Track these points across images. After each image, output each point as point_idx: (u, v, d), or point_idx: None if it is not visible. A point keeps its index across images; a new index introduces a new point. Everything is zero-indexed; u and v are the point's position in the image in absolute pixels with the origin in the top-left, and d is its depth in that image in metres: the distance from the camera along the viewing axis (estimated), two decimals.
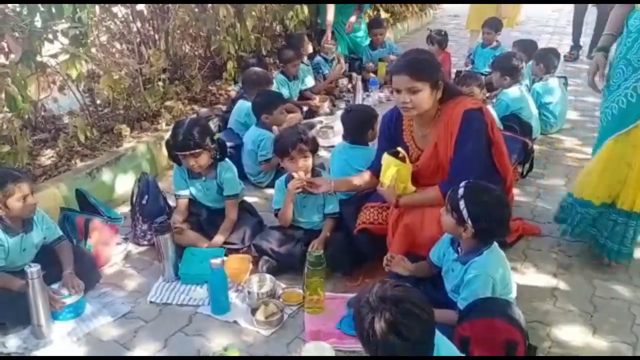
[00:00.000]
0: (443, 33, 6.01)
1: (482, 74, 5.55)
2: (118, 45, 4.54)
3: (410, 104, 2.50)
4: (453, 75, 5.99)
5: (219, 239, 2.99)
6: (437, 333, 1.67)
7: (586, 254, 2.99)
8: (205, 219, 3.14)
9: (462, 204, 2.14)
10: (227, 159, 3.19)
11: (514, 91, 4.26)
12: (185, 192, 3.13)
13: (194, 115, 4.43)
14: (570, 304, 2.62)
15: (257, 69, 4.50)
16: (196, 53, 5.43)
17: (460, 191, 2.17)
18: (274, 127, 4.06)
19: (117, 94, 4.12)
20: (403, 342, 1.53)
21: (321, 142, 4.60)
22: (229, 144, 3.84)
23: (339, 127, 4.43)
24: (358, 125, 3.35)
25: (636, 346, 2.36)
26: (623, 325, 2.47)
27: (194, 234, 3.07)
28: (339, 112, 5.35)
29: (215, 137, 3.14)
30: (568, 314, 2.56)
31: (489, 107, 4.18)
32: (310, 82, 5.42)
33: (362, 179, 2.94)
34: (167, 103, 4.35)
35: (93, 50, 4.34)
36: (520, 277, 2.81)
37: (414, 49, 2.76)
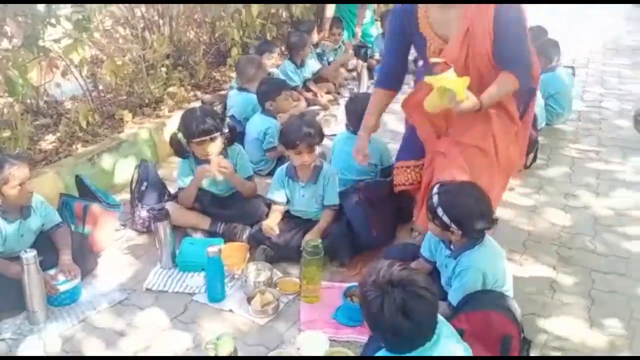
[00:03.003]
0: None
1: None
2: (122, 31, 4.51)
3: None
4: None
5: None
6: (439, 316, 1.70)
7: (587, 247, 2.97)
8: (209, 204, 3.13)
9: (440, 211, 2.12)
10: (236, 143, 3.19)
11: None
12: None
13: (198, 103, 4.40)
14: (569, 297, 2.60)
15: (251, 57, 4.47)
16: (201, 39, 5.40)
17: (435, 199, 2.14)
18: (279, 115, 4.04)
19: (120, 79, 4.12)
20: (411, 323, 1.58)
21: (324, 130, 4.60)
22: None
23: (341, 116, 4.41)
24: (362, 114, 3.31)
25: (633, 340, 2.34)
26: (621, 319, 2.45)
27: (195, 215, 3.07)
28: (343, 101, 5.35)
29: (226, 121, 3.14)
30: (566, 307, 2.54)
31: None
32: (315, 66, 5.38)
33: (383, 98, 2.75)
34: (170, 89, 4.33)
35: (96, 35, 4.34)
36: (519, 268, 2.79)
37: None
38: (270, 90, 3.81)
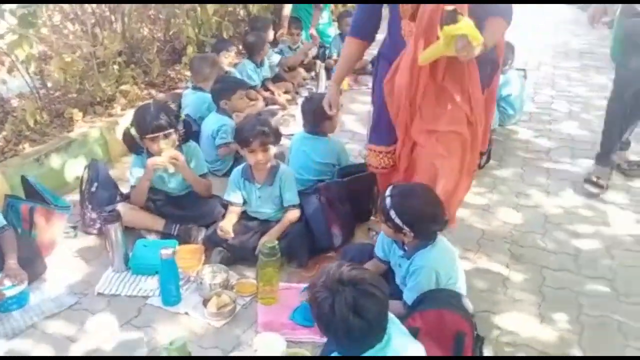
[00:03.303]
0: None
1: None
2: (71, 26, 4.37)
3: None
4: None
5: None
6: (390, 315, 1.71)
7: (538, 245, 3.04)
8: (163, 204, 3.06)
9: (392, 213, 2.14)
10: (190, 140, 3.13)
11: None
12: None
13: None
14: (520, 294, 2.66)
15: (203, 55, 4.41)
16: (155, 36, 5.30)
17: (387, 201, 2.16)
18: (235, 114, 4.00)
19: (70, 76, 3.99)
20: (362, 322, 1.58)
21: (282, 130, 4.57)
22: None
23: (300, 115, 4.40)
24: (317, 115, 3.31)
25: (581, 335, 2.41)
26: (570, 315, 2.52)
27: (149, 216, 3.01)
28: (301, 100, 5.34)
29: (181, 117, 3.07)
30: (517, 303, 2.60)
31: None
32: (274, 65, 5.37)
33: (354, 48, 2.71)
34: (122, 87, 4.22)
35: (44, 30, 4.19)
36: (473, 266, 2.84)
37: None
38: (225, 89, 3.77)
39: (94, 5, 4.56)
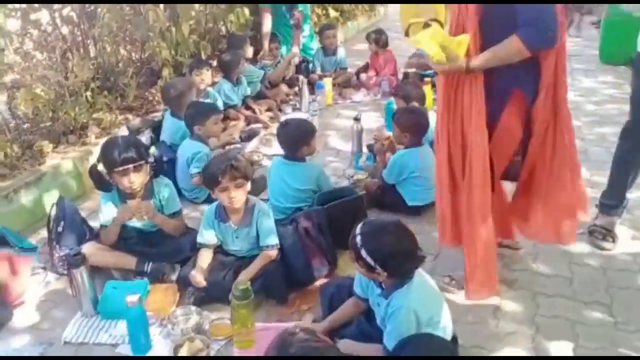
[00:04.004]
0: (379, 31, 5.95)
1: (426, 75, 5.48)
2: (39, 55, 4.22)
3: None
4: (400, 76, 5.89)
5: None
6: None
7: (531, 268, 2.90)
8: (135, 242, 2.91)
9: (364, 252, 2.00)
10: (161, 175, 2.98)
11: None
12: None
13: (122, 130, 4.14)
14: (513, 325, 2.51)
15: (173, 80, 4.28)
16: (133, 58, 5.16)
17: (358, 239, 2.02)
18: (211, 140, 3.86)
19: (42, 106, 3.85)
20: None
21: (264, 150, 4.45)
22: (164, 158, 3.66)
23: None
24: (293, 140, 3.17)
25: None
26: (566, 347, 2.37)
27: (120, 254, 2.84)
28: (284, 117, 5.20)
29: (151, 151, 2.93)
30: (510, 337, 2.44)
31: (433, 114, 4.08)
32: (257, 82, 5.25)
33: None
34: (95, 115, 4.07)
35: (17, 58, 4.06)
36: (461, 296, 2.69)
37: None
38: (198, 114, 3.62)
39: (66, 30, 4.44)
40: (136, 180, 2.75)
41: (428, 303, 2.07)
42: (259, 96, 5.30)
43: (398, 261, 2.00)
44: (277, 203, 3.18)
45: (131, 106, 4.71)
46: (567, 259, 2.96)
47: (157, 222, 2.83)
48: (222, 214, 2.73)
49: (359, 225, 2.07)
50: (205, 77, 4.57)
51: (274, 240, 2.71)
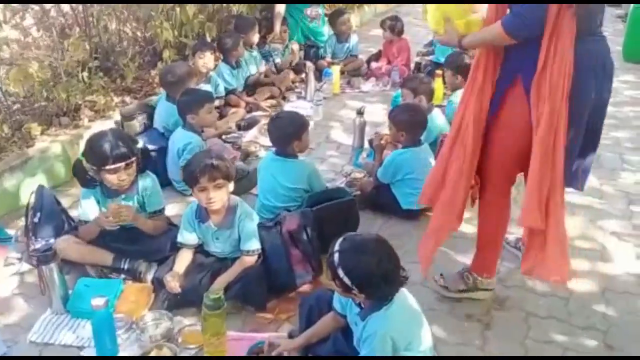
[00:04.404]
0: (395, 18, 5.70)
1: (440, 64, 5.27)
2: (35, 32, 4.10)
3: None
4: (412, 66, 5.69)
5: None
6: None
7: (526, 285, 2.74)
8: (113, 238, 2.78)
9: (340, 272, 1.85)
10: (147, 171, 2.85)
11: None
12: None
13: (116, 115, 4.02)
14: (500, 347, 2.37)
15: (174, 65, 4.12)
16: (137, 38, 5.01)
17: (336, 257, 1.87)
18: (206, 130, 3.74)
19: (39, 84, 3.74)
20: None
21: (263, 140, 4.29)
22: (152, 146, 3.54)
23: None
24: (284, 135, 3.02)
25: None
26: None
27: (96, 250, 2.71)
28: (289, 105, 5.05)
29: (139, 144, 2.80)
30: None
31: (438, 111, 3.90)
32: (253, 70, 5.07)
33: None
34: (88, 98, 3.96)
35: (17, 33, 3.94)
36: (450, 312, 2.55)
37: None
38: (191, 103, 3.46)
39: (67, 7, 4.31)
40: (127, 177, 2.63)
41: (406, 329, 1.94)
42: (261, 83, 5.13)
43: (376, 284, 1.86)
44: (266, 201, 3.04)
45: (130, 88, 4.57)
46: None
47: (138, 224, 2.70)
48: (202, 214, 2.60)
49: (338, 241, 1.92)
50: (208, 60, 4.40)
51: (254, 245, 2.58)
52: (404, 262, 1.95)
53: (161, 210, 2.84)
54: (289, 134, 3.01)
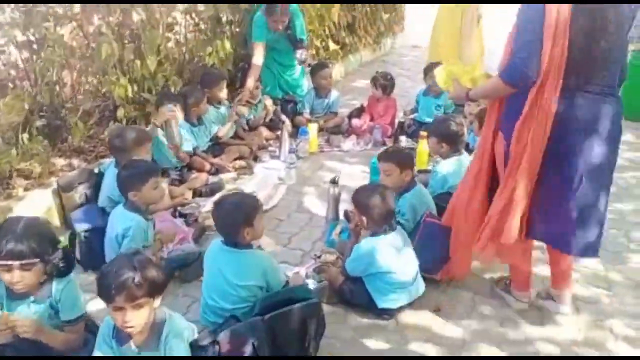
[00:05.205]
0: (389, 77, 5.30)
1: (424, 123, 4.94)
2: None
3: None
4: (396, 125, 5.28)
5: None
6: None
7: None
8: (18, 352, 2.25)
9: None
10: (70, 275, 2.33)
11: (451, 163, 3.51)
12: None
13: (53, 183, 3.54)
14: None
15: (123, 128, 3.70)
16: (99, 89, 4.56)
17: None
18: (149, 207, 3.20)
19: None
20: None
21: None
22: (89, 226, 3.06)
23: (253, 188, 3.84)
24: (231, 223, 2.54)
25: None
26: None
27: None
28: (261, 165, 4.60)
29: (60, 244, 2.31)
30: None
31: (420, 186, 3.44)
32: (217, 131, 4.63)
33: None
34: (23, 164, 3.47)
35: None
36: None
37: None
38: (132, 178, 2.95)
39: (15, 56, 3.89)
40: (21, 280, 2.14)
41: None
42: (227, 143, 4.67)
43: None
44: (211, 302, 2.53)
45: (82, 148, 4.12)
46: None
47: (42, 340, 2.19)
48: (120, 334, 2.08)
49: None
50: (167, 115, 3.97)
51: None
52: None
53: (76, 319, 2.31)
54: (237, 221, 2.51)
